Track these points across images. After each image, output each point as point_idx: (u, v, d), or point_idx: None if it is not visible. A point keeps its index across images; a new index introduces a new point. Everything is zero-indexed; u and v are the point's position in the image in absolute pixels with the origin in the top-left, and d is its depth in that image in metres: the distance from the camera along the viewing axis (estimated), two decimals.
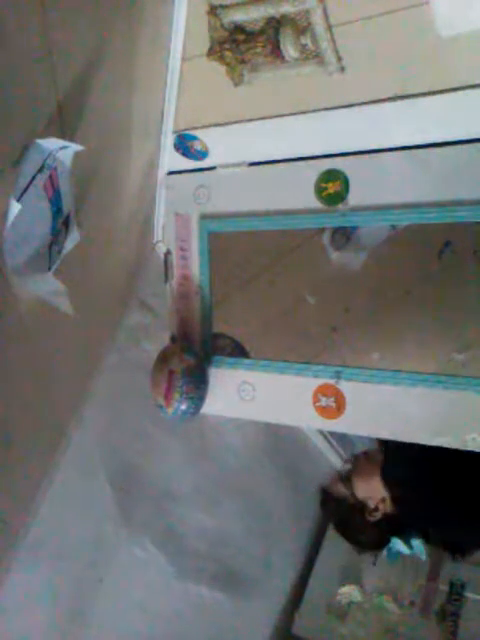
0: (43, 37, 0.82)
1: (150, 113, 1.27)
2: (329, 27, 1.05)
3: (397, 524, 1.45)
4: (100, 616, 1.47)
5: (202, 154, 1.35)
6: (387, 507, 1.42)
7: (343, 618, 2.13)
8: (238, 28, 1.11)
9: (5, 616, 1.24)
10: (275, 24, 1.08)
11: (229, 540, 1.88)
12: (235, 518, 1.89)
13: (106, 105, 1.06)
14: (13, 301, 0.92)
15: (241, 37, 1.11)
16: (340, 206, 1.22)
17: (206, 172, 1.37)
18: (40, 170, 0.85)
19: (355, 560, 2.21)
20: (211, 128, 1.29)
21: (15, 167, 0.80)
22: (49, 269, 0.96)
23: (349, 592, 2.16)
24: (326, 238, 1.30)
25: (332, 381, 1.27)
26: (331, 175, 1.22)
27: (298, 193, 1.26)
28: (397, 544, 1.45)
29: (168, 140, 1.34)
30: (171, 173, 1.42)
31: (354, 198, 1.21)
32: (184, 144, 1.34)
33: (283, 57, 1.10)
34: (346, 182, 1.21)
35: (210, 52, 1.14)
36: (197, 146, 1.33)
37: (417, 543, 1.47)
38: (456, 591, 2.06)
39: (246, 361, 1.40)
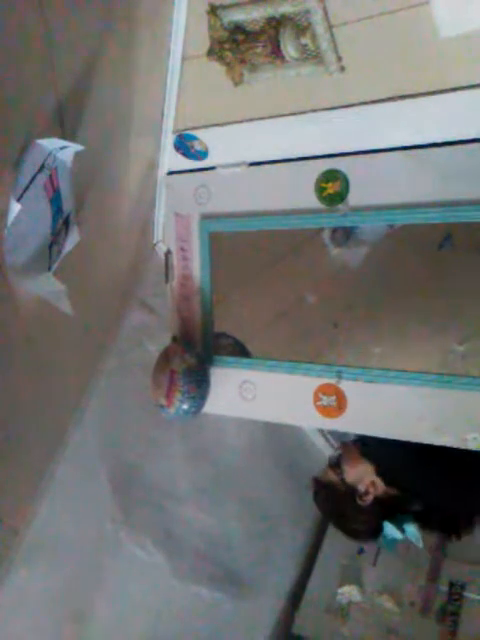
0: (43, 37, 0.82)
1: (150, 113, 1.27)
2: (329, 27, 1.05)
3: (389, 508, 1.45)
4: (100, 616, 1.47)
5: (202, 154, 1.35)
6: (378, 490, 1.42)
7: (343, 618, 2.13)
8: (238, 28, 1.11)
9: (5, 616, 1.24)
10: (275, 24, 1.08)
11: (229, 540, 1.88)
12: (235, 518, 1.89)
13: (106, 105, 1.06)
14: (13, 301, 0.92)
15: (241, 37, 1.11)
16: (340, 206, 1.22)
17: (206, 172, 1.37)
18: (40, 170, 0.85)
19: (355, 560, 2.21)
20: (211, 128, 1.29)
21: (15, 167, 0.80)
22: (49, 269, 0.96)
23: (349, 592, 2.16)
24: (326, 235, 1.30)
25: (333, 380, 1.27)
26: (331, 175, 1.22)
27: (298, 193, 1.26)
28: (389, 528, 1.44)
29: (168, 140, 1.34)
30: (171, 173, 1.42)
31: (354, 198, 1.21)
32: (184, 144, 1.34)
33: (283, 57, 1.10)
34: (346, 182, 1.21)
35: (210, 52, 1.14)
36: (197, 146, 1.33)
37: (411, 529, 1.46)
38: (456, 591, 2.06)
39: (247, 360, 1.40)
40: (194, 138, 1.32)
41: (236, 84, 1.18)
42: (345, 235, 1.28)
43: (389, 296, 1.28)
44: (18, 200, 0.80)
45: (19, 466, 1.10)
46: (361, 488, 1.43)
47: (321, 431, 2.18)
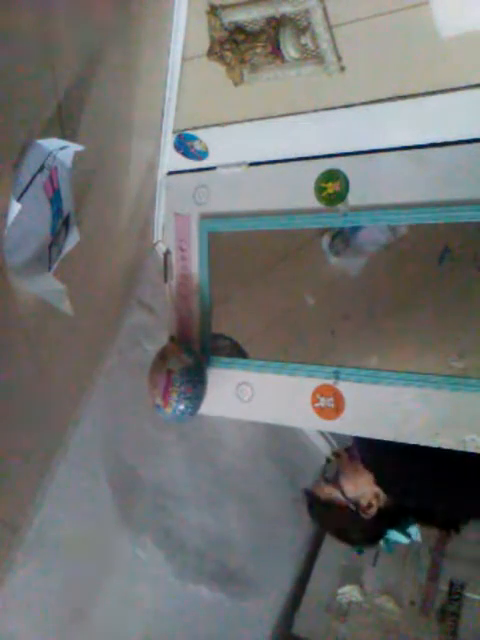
0: (43, 37, 0.82)
1: (150, 113, 1.27)
2: (329, 27, 1.05)
3: (393, 516, 1.44)
4: (100, 616, 1.47)
5: (202, 154, 1.35)
6: (381, 501, 1.41)
7: (343, 618, 2.13)
8: (238, 28, 1.11)
9: (5, 616, 1.24)
10: (275, 24, 1.08)
11: (229, 540, 1.88)
12: (235, 518, 1.89)
13: (106, 105, 1.06)
14: (13, 301, 0.92)
15: (241, 37, 1.11)
16: (340, 206, 1.22)
17: (206, 172, 1.37)
18: (40, 170, 0.85)
19: (355, 560, 2.21)
20: (211, 128, 1.29)
21: (15, 167, 0.80)
22: (49, 269, 0.96)
23: (349, 592, 2.16)
24: (325, 243, 1.30)
25: (331, 382, 1.27)
26: (331, 175, 1.22)
27: (298, 193, 1.26)
28: (394, 535, 1.44)
29: (168, 140, 1.34)
30: (171, 173, 1.42)
31: (354, 198, 1.21)
32: (184, 144, 1.34)
33: (283, 57, 1.10)
34: (346, 182, 1.21)
35: (210, 52, 1.14)
36: (197, 146, 1.33)
37: (414, 531, 1.46)
38: (456, 591, 2.06)
39: (245, 361, 1.40)
40: (194, 138, 1.32)
41: (236, 84, 1.18)
42: (344, 244, 1.28)
43: (387, 307, 1.27)
44: (18, 200, 0.80)
45: (19, 466, 1.10)
46: (363, 502, 1.41)
47: (321, 431, 2.18)
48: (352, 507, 1.40)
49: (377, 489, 1.40)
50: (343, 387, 1.26)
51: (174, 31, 1.16)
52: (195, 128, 1.30)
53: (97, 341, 1.36)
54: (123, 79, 1.09)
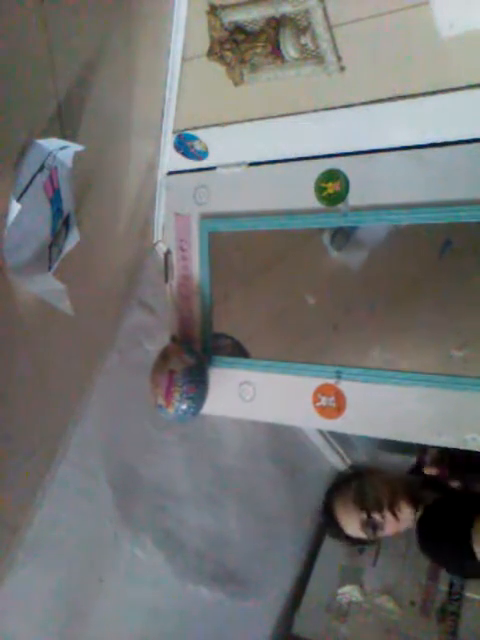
0: (43, 37, 0.82)
1: (150, 113, 1.27)
2: (329, 27, 1.05)
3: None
4: (100, 616, 1.47)
5: (202, 154, 1.35)
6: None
7: (343, 618, 2.13)
8: (238, 28, 1.11)
9: (5, 616, 1.24)
10: (275, 24, 1.08)
11: (229, 540, 1.88)
12: (235, 518, 1.89)
13: (106, 105, 1.06)
14: (13, 301, 0.92)
15: (241, 37, 1.11)
16: (340, 206, 1.22)
17: (206, 172, 1.37)
18: (40, 170, 0.85)
19: (355, 560, 2.21)
20: (211, 128, 1.29)
21: (15, 167, 0.80)
22: (49, 269, 0.96)
23: (349, 592, 2.16)
24: (326, 238, 1.30)
25: (332, 381, 1.27)
26: (331, 175, 1.22)
27: (298, 193, 1.26)
28: None
29: (168, 140, 1.34)
30: (171, 173, 1.42)
31: (354, 198, 1.21)
32: (184, 144, 1.34)
33: (283, 57, 1.10)
34: (346, 182, 1.21)
35: (210, 52, 1.14)
36: (197, 146, 1.33)
37: None
38: (456, 591, 2.06)
39: (246, 361, 1.40)
40: (194, 138, 1.32)
41: (236, 84, 1.18)
42: (345, 238, 1.28)
43: (389, 300, 1.27)
44: (18, 200, 0.80)
45: (19, 466, 1.10)
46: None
47: (320, 431, 2.18)
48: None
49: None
50: (345, 386, 1.26)
51: (174, 31, 1.16)
52: (195, 128, 1.30)
53: (97, 341, 1.36)
54: (123, 79, 1.09)
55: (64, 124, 0.91)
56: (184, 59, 1.21)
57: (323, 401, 1.28)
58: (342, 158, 1.21)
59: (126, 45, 1.05)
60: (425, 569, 2.14)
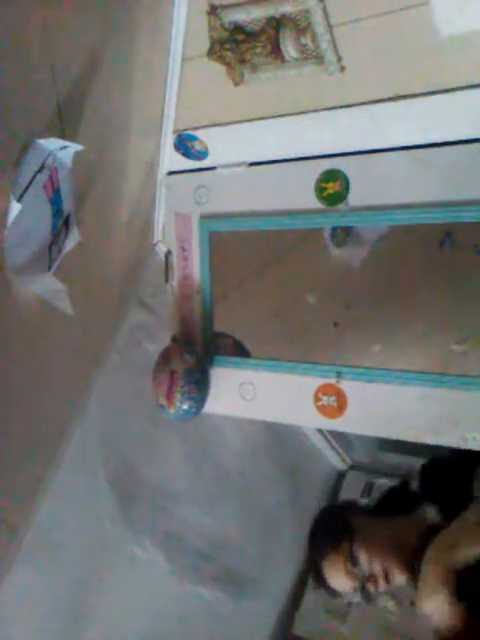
0: (43, 37, 0.82)
1: (150, 113, 1.27)
2: (329, 27, 1.05)
3: None
4: (100, 616, 1.47)
5: (202, 154, 1.35)
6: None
7: (343, 618, 2.13)
8: (238, 28, 1.11)
9: (5, 616, 1.24)
10: (275, 24, 1.08)
11: (229, 540, 1.88)
12: (235, 518, 1.89)
13: (106, 105, 1.06)
14: (13, 301, 0.92)
15: (241, 37, 1.11)
16: (340, 206, 1.22)
17: (206, 172, 1.37)
18: (40, 170, 0.85)
19: None
20: (211, 128, 1.29)
21: (15, 167, 0.80)
22: (49, 269, 0.96)
23: None
24: (327, 234, 1.30)
25: (333, 381, 1.28)
26: (331, 175, 1.22)
27: (298, 193, 1.26)
28: None
29: (168, 140, 1.34)
30: (171, 173, 1.42)
31: (354, 198, 1.21)
32: (184, 144, 1.34)
33: (283, 57, 1.10)
34: (346, 182, 1.21)
35: (210, 52, 1.14)
36: (197, 146, 1.33)
37: None
38: None
39: (247, 360, 1.40)
40: (194, 138, 1.32)
41: (236, 84, 1.18)
42: (345, 234, 1.28)
43: (389, 295, 1.28)
44: (18, 200, 0.80)
45: (19, 466, 1.10)
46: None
47: (320, 431, 2.18)
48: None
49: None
50: (345, 386, 1.26)
51: (174, 31, 1.16)
52: (195, 128, 1.30)
53: (97, 341, 1.36)
54: (123, 79, 1.09)
55: (64, 124, 0.91)
56: (184, 59, 1.21)
57: (324, 400, 1.29)
58: (342, 158, 1.21)
59: (126, 45, 1.05)
60: None
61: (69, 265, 1.02)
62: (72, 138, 0.92)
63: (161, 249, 1.50)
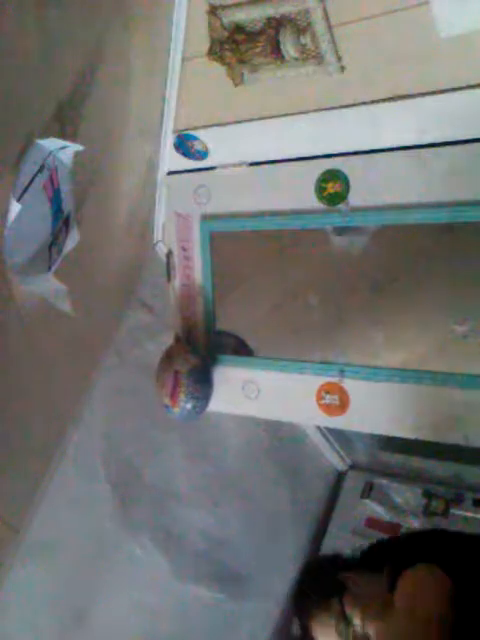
0: (43, 37, 0.82)
1: (150, 113, 1.27)
2: (329, 27, 1.05)
3: None
4: (100, 616, 1.47)
5: (202, 154, 1.35)
6: None
7: None
8: (238, 28, 1.11)
9: (5, 616, 1.24)
10: (275, 24, 1.08)
11: (229, 540, 1.88)
12: (235, 518, 1.89)
13: (106, 105, 1.06)
14: (13, 301, 0.92)
15: (241, 37, 1.11)
16: (340, 206, 1.22)
17: (206, 172, 1.37)
18: (40, 170, 0.85)
19: None
20: (211, 128, 1.29)
21: (15, 167, 0.80)
22: (49, 269, 0.96)
23: None
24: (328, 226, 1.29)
25: (336, 379, 1.28)
26: (331, 175, 1.22)
27: (298, 193, 1.26)
28: None
29: (168, 140, 1.34)
30: (171, 173, 1.42)
31: (354, 198, 1.21)
32: (184, 144, 1.34)
33: (283, 57, 1.10)
34: (346, 182, 1.21)
35: (210, 52, 1.14)
36: (197, 146, 1.33)
37: None
38: None
39: (250, 359, 1.41)
40: (194, 138, 1.32)
41: (236, 84, 1.18)
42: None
43: (389, 280, 1.28)
44: (18, 200, 0.80)
45: (19, 466, 1.10)
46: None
47: (320, 430, 2.18)
48: None
49: None
50: (348, 384, 1.27)
51: (174, 31, 1.16)
52: (195, 128, 1.30)
53: (97, 341, 1.36)
54: (123, 79, 1.09)
55: (64, 124, 0.91)
56: (184, 59, 1.21)
57: (327, 399, 1.29)
58: (342, 158, 1.21)
59: (126, 45, 1.05)
60: None
61: (69, 265, 1.02)
62: (72, 138, 0.92)
63: (161, 249, 1.50)
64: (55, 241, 0.96)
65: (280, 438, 2.04)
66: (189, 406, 1.31)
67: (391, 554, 1.00)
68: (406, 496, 2.19)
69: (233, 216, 1.35)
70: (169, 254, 1.46)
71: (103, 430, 1.43)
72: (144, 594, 1.61)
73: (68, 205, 0.97)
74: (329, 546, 2.28)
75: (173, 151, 1.36)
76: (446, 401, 1.17)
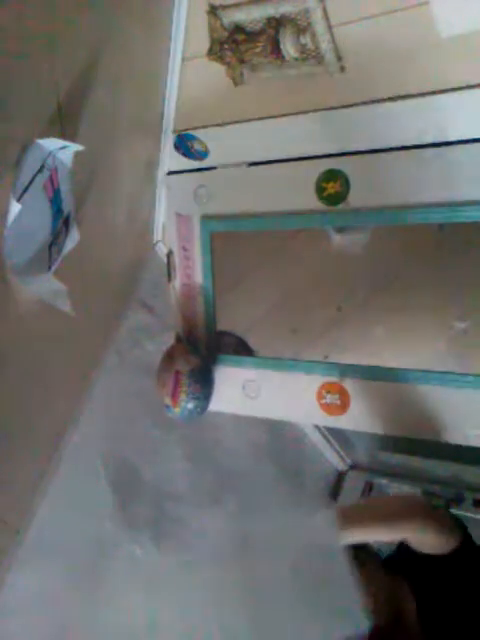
0: (43, 37, 0.82)
1: (150, 113, 1.27)
2: (329, 27, 1.05)
3: None
4: (100, 616, 1.47)
5: (202, 154, 1.35)
6: None
7: None
8: (238, 28, 1.11)
9: (5, 616, 1.24)
10: (275, 24, 1.08)
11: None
12: (235, 518, 1.89)
13: (106, 105, 1.06)
14: (13, 301, 0.92)
15: (241, 37, 1.11)
16: (341, 206, 1.22)
17: (206, 172, 1.37)
18: (40, 170, 0.85)
19: None
20: (211, 128, 1.29)
21: (15, 167, 0.80)
22: (49, 269, 0.96)
23: None
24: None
25: (336, 379, 1.28)
26: (331, 175, 1.22)
27: (298, 193, 1.26)
28: None
29: (168, 140, 1.34)
30: (171, 173, 1.42)
31: (354, 198, 1.21)
32: (184, 144, 1.34)
33: (283, 57, 1.10)
34: (346, 182, 1.21)
35: (210, 52, 1.14)
36: (197, 146, 1.33)
37: None
38: None
39: (251, 359, 1.41)
40: (194, 138, 1.32)
41: (236, 84, 1.18)
42: None
43: (390, 276, 1.28)
44: (18, 200, 0.80)
45: (19, 466, 1.10)
46: None
47: (320, 430, 2.18)
48: None
49: None
50: (349, 384, 1.27)
51: (174, 31, 1.16)
52: (195, 128, 1.30)
53: (97, 341, 1.36)
54: (123, 79, 1.09)
55: (64, 124, 0.91)
56: (184, 59, 1.21)
57: (328, 398, 1.29)
58: (342, 158, 1.21)
59: (126, 45, 1.05)
60: None
61: (69, 265, 1.02)
62: (72, 138, 0.93)
63: (161, 249, 1.50)
64: (55, 241, 0.96)
65: (280, 438, 2.04)
66: (190, 406, 1.31)
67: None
68: None
69: (233, 216, 1.35)
70: (169, 254, 1.46)
71: (103, 430, 1.43)
72: (144, 594, 1.61)
73: (68, 205, 0.97)
74: None
75: (173, 151, 1.36)
76: (446, 401, 1.17)
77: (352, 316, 1.34)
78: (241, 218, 1.34)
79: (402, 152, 1.15)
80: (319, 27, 1.05)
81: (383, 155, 1.17)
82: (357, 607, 0.86)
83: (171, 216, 1.44)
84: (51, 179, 0.88)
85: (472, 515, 2.04)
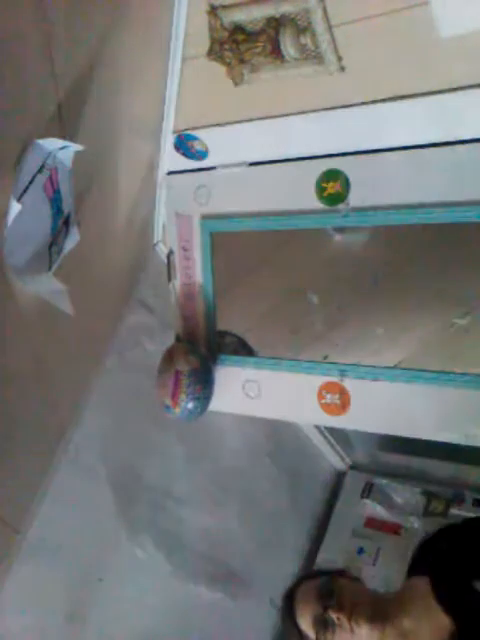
0: (43, 37, 0.82)
1: (150, 113, 1.27)
2: (329, 27, 1.05)
3: None
4: (100, 616, 1.47)
5: (202, 154, 1.35)
6: None
7: None
8: (238, 28, 1.11)
9: (5, 616, 1.24)
10: (275, 24, 1.08)
11: (229, 540, 1.88)
12: (235, 518, 1.89)
13: (106, 105, 1.06)
14: (13, 301, 0.92)
15: (241, 37, 1.11)
16: (340, 206, 1.22)
17: (206, 172, 1.37)
18: (40, 170, 0.85)
19: (355, 560, 2.21)
20: (211, 128, 1.29)
21: (15, 167, 0.80)
22: (49, 269, 0.96)
23: None
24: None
25: (336, 379, 1.28)
26: (331, 175, 1.22)
27: (298, 193, 1.26)
28: None
29: (168, 140, 1.34)
30: (171, 173, 1.42)
31: (354, 198, 1.21)
32: (184, 144, 1.34)
33: (283, 57, 1.10)
34: (346, 182, 1.21)
35: (210, 52, 1.14)
36: (197, 146, 1.33)
37: None
38: None
39: (251, 359, 1.41)
40: (194, 138, 1.32)
41: (236, 84, 1.18)
42: None
43: (389, 275, 1.28)
44: (18, 200, 0.80)
45: (19, 466, 1.10)
46: None
47: (320, 430, 2.18)
48: None
49: None
50: (349, 384, 1.27)
51: (174, 31, 1.16)
52: (195, 128, 1.30)
53: (97, 341, 1.37)
54: (123, 79, 1.09)
55: (64, 124, 0.91)
56: (184, 59, 1.21)
57: (328, 398, 1.30)
58: (342, 158, 1.21)
59: (126, 45, 1.05)
60: None
61: (69, 265, 1.02)
62: (72, 138, 0.92)
63: (161, 249, 1.50)
64: (55, 241, 0.96)
65: (280, 438, 2.04)
66: (190, 406, 1.31)
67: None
68: (406, 496, 2.19)
69: (233, 216, 1.35)
70: (170, 254, 1.46)
71: (103, 430, 1.43)
72: (144, 594, 1.61)
73: (68, 205, 0.97)
74: (329, 546, 2.28)
75: (173, 151, 1.36)
76: (446, 401, 1.17)
77: (352, 316, 1.34)
78: (241, 218, 1.34)
79: (402, 152, 1.15)
80: (319, 27, 1.05)
81: (383, 155, 1.17)
82: None
83: (171, 216, 1.44)
84: (51, 179, 0.88)
85: (472, 515, 2.04)
